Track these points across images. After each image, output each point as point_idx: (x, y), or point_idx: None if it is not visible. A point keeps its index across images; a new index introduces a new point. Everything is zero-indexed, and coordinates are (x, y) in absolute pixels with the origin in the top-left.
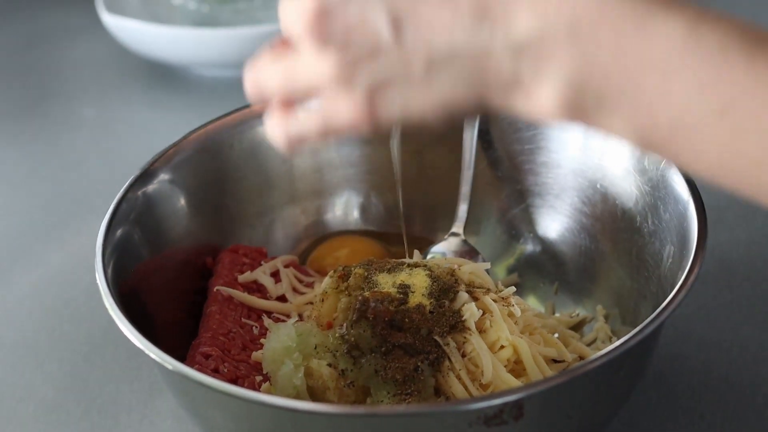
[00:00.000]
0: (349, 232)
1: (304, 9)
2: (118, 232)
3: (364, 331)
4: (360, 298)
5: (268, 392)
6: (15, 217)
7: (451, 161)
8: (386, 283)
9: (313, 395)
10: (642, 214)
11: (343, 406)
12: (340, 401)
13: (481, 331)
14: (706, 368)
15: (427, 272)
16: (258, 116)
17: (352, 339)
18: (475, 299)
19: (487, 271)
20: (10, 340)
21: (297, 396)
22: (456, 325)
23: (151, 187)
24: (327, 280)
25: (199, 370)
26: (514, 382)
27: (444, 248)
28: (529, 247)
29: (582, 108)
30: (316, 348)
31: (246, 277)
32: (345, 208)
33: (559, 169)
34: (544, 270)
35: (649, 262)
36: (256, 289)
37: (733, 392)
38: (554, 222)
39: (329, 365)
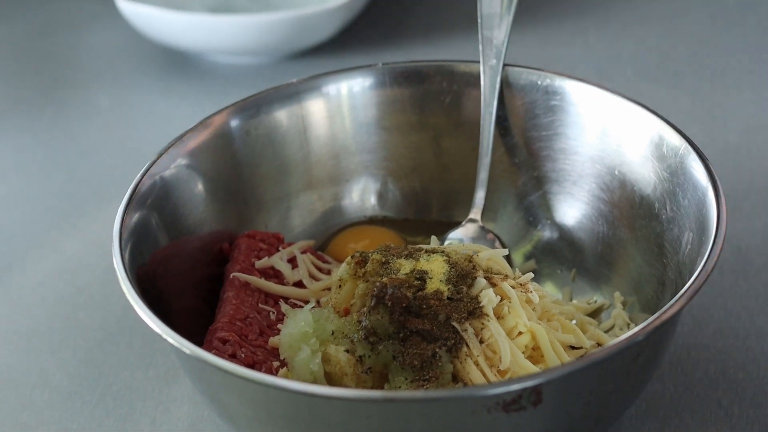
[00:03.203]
0: (366, 220)
1: None
2: (135, 217)
3: (381, 317)
4: (378, 284)
5: (285, 378)
6: (30, 205)
7: (468, 148)
8: (404, 268)
9: (331, 381)
10: (660, 201)
11: (360, 391)
12: (358, 387)
13: (499, 317)
14: (723, 357)
15: (445, 258)
16: (274, 102)
17: (370, 325)
18: (493, 285)
19: (506, 257)
20: (25, 328)
21: (314, 382)
22: (474, 311)
23: (167, 173)
24: (344, 266)
25: (217, 355)
26: (532, 369)
27: (461, 234)
28: (547, 233)
29: None
30: (333, 334)
31: (263, 263)
32: (362, 195)
33: (576, 155)
34: (562, 256)
35: (668, 249)
36: (273, 274)
37: (750, 381)
38: (572, 208)
39: (347, 351)
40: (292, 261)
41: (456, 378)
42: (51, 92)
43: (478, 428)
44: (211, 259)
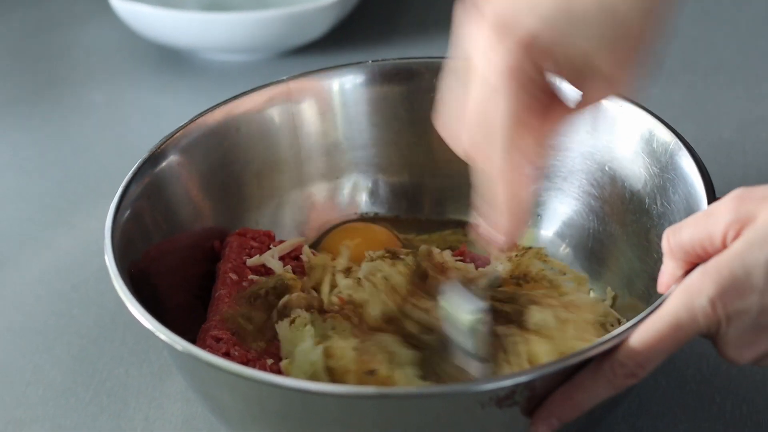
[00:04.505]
0: (358, 217)
1: None
2: (127, 214)
3: None
4: None
5: (288, 369)
6: (24, 202)
7: None
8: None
9: (332, 376)
10: (651, 196)
11: (353, 387)
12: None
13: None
14: (716, 353)
15: None
16: (265, 99)
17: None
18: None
19: None
20: (19, 324)
21: (314, 374)
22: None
23: (159, 170)
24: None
25: (210, 353)
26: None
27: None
28: (538, 230)
29: None
30: (334, 329)
31: (254, 260)
32: (353, 192)
33: (567, 151)
34: (553, 253)
35: (658, 244)
36: (265, 272)
37: (743, 377)
38: (562, 205)
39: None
40: (284, 259)
41: None
42: (45, 90)
43: (472, 424)
44: (203, 257)
